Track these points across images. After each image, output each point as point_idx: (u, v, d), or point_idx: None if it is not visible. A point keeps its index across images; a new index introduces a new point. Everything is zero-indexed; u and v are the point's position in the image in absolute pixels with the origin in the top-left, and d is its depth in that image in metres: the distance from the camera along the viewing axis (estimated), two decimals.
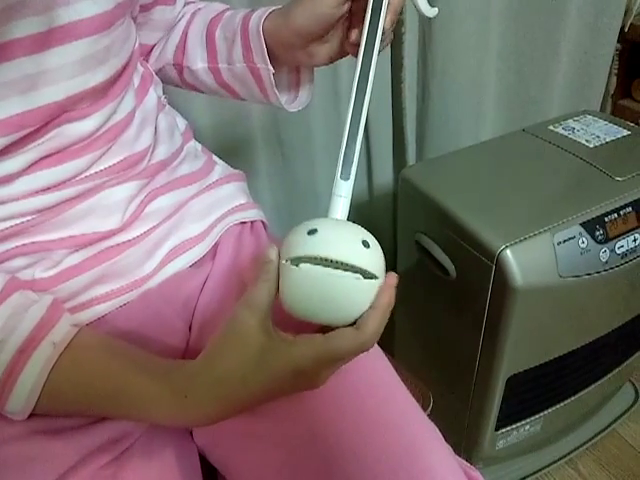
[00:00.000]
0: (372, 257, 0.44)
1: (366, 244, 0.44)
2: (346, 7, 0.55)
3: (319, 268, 0.43)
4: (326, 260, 0.43)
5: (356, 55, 0.53)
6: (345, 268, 0.43)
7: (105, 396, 0.47)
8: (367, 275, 0.44)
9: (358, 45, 0.53)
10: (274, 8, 0.60)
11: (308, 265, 0.43)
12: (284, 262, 0.44)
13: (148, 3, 0.64)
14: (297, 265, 0.43)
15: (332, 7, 0.54)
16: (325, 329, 0.45)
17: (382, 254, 0.46)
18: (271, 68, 0.60)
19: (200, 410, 0.45)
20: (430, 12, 0.58)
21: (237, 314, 0.45)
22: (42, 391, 0.45)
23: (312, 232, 0.44)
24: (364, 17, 0.53)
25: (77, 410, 0.49)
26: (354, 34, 0.56)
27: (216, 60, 0.64)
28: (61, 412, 0.49)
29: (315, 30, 0.56)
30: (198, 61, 0.65)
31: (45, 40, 0.46)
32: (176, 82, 0.71)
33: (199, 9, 0.69)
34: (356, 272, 0.44)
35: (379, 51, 0.53)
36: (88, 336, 0.49)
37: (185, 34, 0.67)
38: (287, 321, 0.46)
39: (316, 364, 0.43)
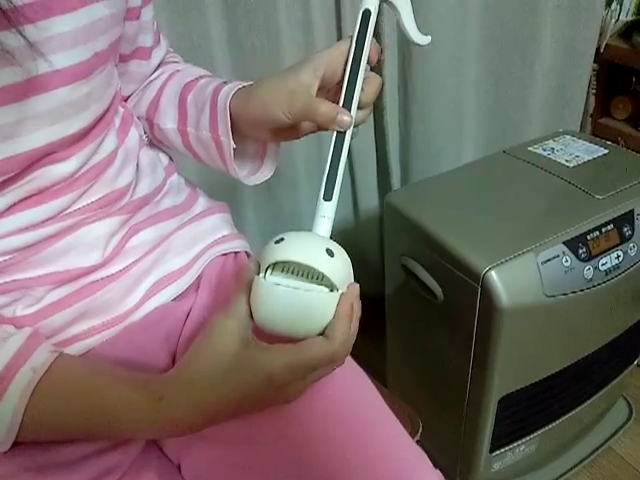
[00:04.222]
0: (335, 264, 0.46)
1: (330, 252, 0.45)
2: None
3: (283, 280, 0.45)
4: (292, 268, 0.45)
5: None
6: (310, 277, 0.45)
7: (86, 411, 0.47)
8: (329, 284, 0.45)
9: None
10: (244, 85, 0.59)
11: (272, 277, 0.45)
12: (256, 276, 0.46)
13: (125, 54, 0.64)
14: (265, 277, 0.45)
15: (284, 123, 0.54)
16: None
17: (349, 265, 0.48)
18: (232, 143, 0.59)
19: (174, 414, 0.45)
20: (422, 40, 0.56)
21: (216, 323, 0.46)
22: (24, 417, 0.45)
23: (279, 241, 0.46)
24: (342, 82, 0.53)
25: (60, 433, 0.49)
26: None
27: (185, 124, 0.64)
28: (44, 437, 0.49)
29: (270, 126, 0.56)
30: (168, 121, 0.65)
31: (24, 89, 0.46)
32: (148, 135, 0.71)
33: (177, 71, 0.69)
34: (320, 280, 0.45)
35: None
36: (68, 359, 0.49)
37: (160, 93, 0.67)
38: (270, 334, 0.46)
39: (287, 371, 0.44)
